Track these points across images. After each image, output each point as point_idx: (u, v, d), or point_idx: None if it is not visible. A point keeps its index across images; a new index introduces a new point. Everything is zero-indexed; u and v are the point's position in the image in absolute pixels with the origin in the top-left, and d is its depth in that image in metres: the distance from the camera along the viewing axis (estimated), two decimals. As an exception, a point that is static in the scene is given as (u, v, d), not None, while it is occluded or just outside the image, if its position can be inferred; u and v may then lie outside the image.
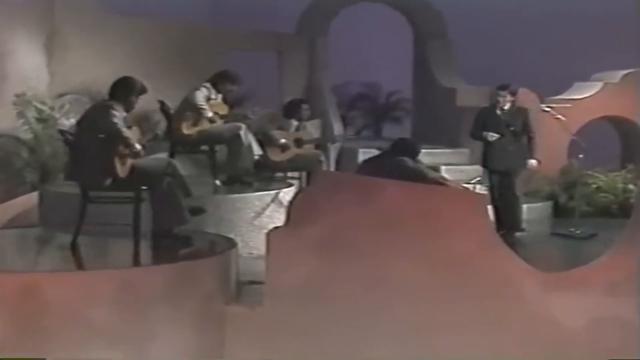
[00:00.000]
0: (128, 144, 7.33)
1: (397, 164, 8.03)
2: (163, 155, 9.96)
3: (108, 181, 7.36)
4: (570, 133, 11.23)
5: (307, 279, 6.91)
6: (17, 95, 12.02)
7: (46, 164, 11.74)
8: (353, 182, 7.35)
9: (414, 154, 8.26)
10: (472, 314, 6.91)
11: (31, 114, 12.07)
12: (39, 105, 12.08)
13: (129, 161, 7.45)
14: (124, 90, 7.62)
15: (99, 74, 12.45)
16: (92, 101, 12.36)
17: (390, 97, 17.75)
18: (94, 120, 7.43)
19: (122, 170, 7.36)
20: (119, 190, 7.44)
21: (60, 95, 12.45)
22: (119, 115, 7.38)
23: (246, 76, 13.91)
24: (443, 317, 6.90)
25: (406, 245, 6.94)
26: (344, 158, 12.96)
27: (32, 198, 10.54)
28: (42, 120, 12.05)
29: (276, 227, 7.17)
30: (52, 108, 12.21)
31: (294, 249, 6.92)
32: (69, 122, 12.11)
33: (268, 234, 7.01)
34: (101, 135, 7.27)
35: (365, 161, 8.53)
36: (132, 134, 7.42)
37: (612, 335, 7.06)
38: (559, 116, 10.87)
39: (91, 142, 7.31)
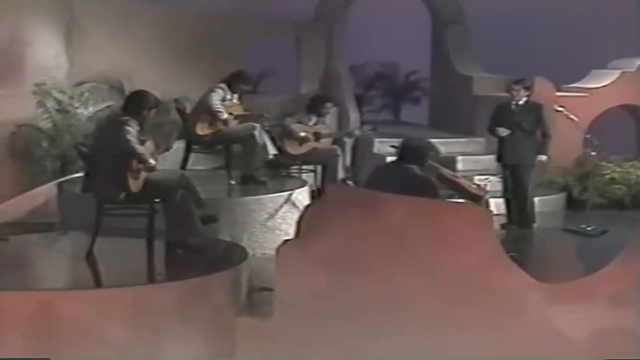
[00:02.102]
0: (142, 160, 7.48)
1: (405, 173, 8.10)
2: (180, 145, 10.16)
3: (122, 195, 7.52)
4: (582, 131, 11.30)
5: (315, 292, 7.05)
6: (37, 85, 12.18)
7: (66, 154, 11.89)
8: (361, 197, 7.47)
9: (421, 160, 8.31)
10: (478, 327, 7.03)
11: (51, 104, 12.22)
12: (58, 96, 12.22)
13: (143, 175, 7.59)
14: (136, 104, 7.74)
15: (118, 62, 12.65)
16: (111, 89, 12.59)
17: (409, 77, 17.80)
18: (108, 136, 7.57)
19: (135, 185, 7.51)
20: (132, 203, 7.62)
21: (79, 84, 12.55)
22: (133, 131, 7.49)
23: (264, 62, 14.08)
24: (450, 331, 7.03)
25: (413, 260, 7.06)
26: (360, 147, 13.04)
27: (53, 189, 10.73)
28: (61, 110, 12.20)
29: (286, 241, 7.30)
30: (71, 97, 12.34)
31: (303, 262, 7.06)
32: (87, 111, 12.30)
33: (278, 248, 7.16)
34: (115, 152, 7.40)
35: (375, 170, 8.61)
36: (145, 149, 7.56)
37: (617, 346, 7.17)
38: (572, 116, 10.91)
39: (105, 157, 7.46)
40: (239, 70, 10.36)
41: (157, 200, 7.68)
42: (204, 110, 9.91)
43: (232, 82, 10.10)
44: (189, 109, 10.38)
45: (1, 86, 12.24)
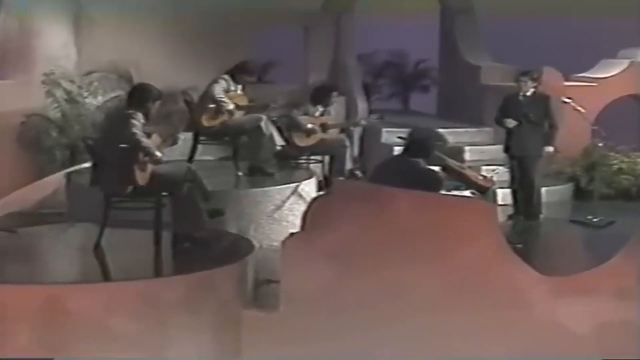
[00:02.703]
0: (148, 153, 7.54)
1: (410, 166, 8.14)
2: (188, 135, 10.21)
3: (129, 189, 7.58)
4: (590, 123, 11.30)
5: (321, 285, 7.11)
6: (46, 74, 12.23)
7: (75, 144, 11.93)
8: (366, 191, 7.52)
9: (427, 153, 8.35)
10: (483, 321, 7.08)
11: (60, 93, 12.28)
12: (67, 85, 12.27)
13: (149, 168, 7.64)
14: (139, 97, 7.80)
15: (126, 52, 12.67)
16: (119, 79, 12.63)
17: (418, 66, 17.80)
18: (115, 130, 7.63)
19: (142, 178, 7.56)
20: (140, 197, 7.68)
21: (88, 74, 12.59)
22: (138, 124, 7.55)
23: (273, 52, 14.02)
24: (454, 324, 7.08)
25: (418, 254, 7.12)
26: (368, 137, 13.08)
27: (62, 178, 10.79)
28: (70, 99, 12.26)
29: (291, 234, 7.35)
30: (80, 87, 12.40)
31: (308, 256, 7.12)
32: (96, 101, 12.36)
33: (283, 242, 7.22)
34: (121, 145, 7.46)
35: (381, 164, 8.65)
36: (151, 142, 7.61)
37: (620, 339, 7.21)
38: (579, 108, 10.89)
39: (112, 151, 7.51)
40: (242, 62, 10.42)
41: (164, 193, 7.73)
42: (208, 101, 9.96)
43: (236, 73, 10.15)
44: (196, 100, 10.41)
45: (10, 76, 12.35)
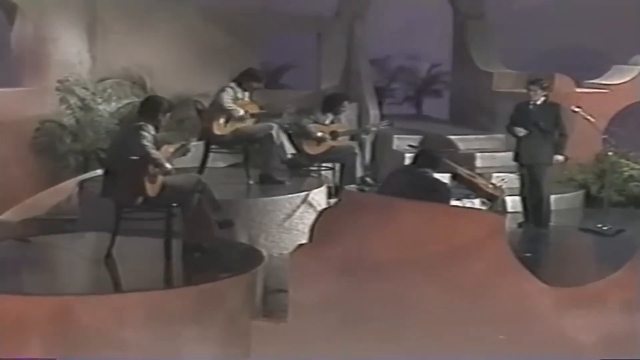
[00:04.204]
0: (157, 164, 7.62)
1: (419, 177, 8.24)
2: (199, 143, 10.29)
3: (139, 200, 7.66)
4: (600, 132, 11.32)
5: (328, 296, 7.19)
6: (60, 81, 12.36)
7: (88, 150, 12.04)
8: (374, 202, 7.59)
9: (435, 165, 8.47)
10: (490, 333, 7.14)
11: (73, 100, 12.39)
12: (81, 92, 12.37)
13: (160, 179, 7.73)
14: (150, 109, 7.89)
15: (140, 59, 12.80)
16: (133, 85, 12.74)
17: (432, 70, 17.81)
18: (125, 141, 7.71)
19: (152, 189, 7.64)
20: (150, 208, 7.76)
21: (102, 80, 12.70)
22: (148, 136, 7.63)
23: (287, 58, 14.08)
24: (461, 335, 7.14)
25: (425, 265, 7.18)
26: (379, 143, 13.14)
27: (75, 184, 10.88)
28: (84, 106, 12.36)
29: (300, 245, 7.42)
30: (94, 93, 12.50)
31: (316, 267, 7.20)
32: (109, 107, 12.46)
33: (291, 253, 7.30)
34: (132, 157, 7.54)
35: (391, 174, 8.75)
36: (161, 154, 7.69)
37: (627, 351, 7.25)
38: (589, 117, 10.91)
39: (122, 163, 7.60)
40: (248, 69, 10.44)
41: (174, 204, 7.81)
42: (218, 110, 10.00)
43: (243, 80, 10.17)
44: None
45: (25, 83, 12.50)
